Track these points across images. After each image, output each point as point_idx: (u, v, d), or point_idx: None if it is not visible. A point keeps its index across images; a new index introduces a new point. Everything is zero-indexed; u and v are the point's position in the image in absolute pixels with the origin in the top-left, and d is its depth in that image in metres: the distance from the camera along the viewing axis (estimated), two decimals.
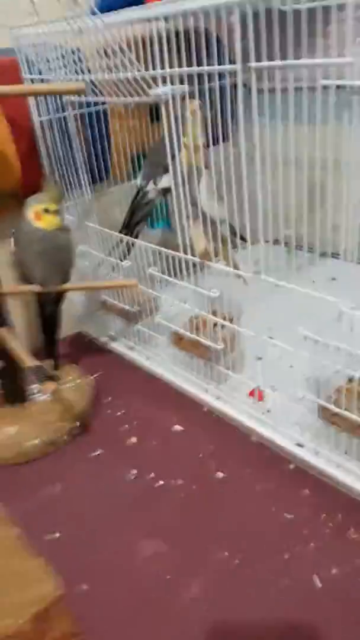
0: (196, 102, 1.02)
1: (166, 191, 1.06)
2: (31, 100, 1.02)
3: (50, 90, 0.75)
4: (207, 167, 0.86)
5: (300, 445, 0.83)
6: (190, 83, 0.76)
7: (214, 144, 1.13)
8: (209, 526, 0.76)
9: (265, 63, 0.60)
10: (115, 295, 1.12)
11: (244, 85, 0.66)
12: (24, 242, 0.90)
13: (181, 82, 0.76)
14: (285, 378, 0.82)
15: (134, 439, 0.94)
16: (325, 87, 0.61)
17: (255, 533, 0.74)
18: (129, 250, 1.08)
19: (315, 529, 0.74)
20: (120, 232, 1.11)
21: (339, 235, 1.28)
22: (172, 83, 0.73)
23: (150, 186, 1.07)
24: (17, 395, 1.01)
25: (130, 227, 1.12)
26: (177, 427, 0.95)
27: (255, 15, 0.60)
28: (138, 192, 1.11)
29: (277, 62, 0.59)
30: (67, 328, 1.21)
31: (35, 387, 0.87)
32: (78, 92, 0.69)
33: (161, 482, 0.84)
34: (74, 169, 1.08)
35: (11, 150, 1.03)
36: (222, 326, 0.90)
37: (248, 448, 0.89)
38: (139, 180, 1.12)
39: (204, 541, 0.74)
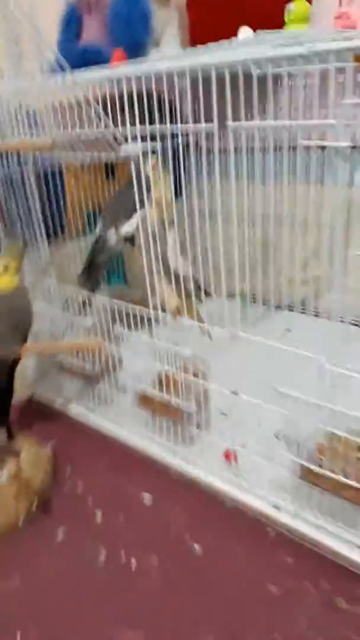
0: (155, 158, 1.04)
1: (127, 238, 1.05)
2: None
3: (19, 146, 0.72)
4: (173, 222, 0.85)
5: (277, 507, 0.79)
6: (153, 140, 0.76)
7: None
8: (191, 609, 0.69)
9: (244, 123, 0.60)
10: (72, 355, 1.05)
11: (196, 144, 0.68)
12: None
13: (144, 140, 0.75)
14: (256, 435, 0.79)
15: (99, 515, 0.86)
16: (294, 148, 0.63)
17: (241, 612, 0.68)
18: (89, 304, 1.03)
19: (303, 602, 0.68)
20: (78, 281, 1.06)
21: (293, 288, 1.31)
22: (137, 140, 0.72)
23: (111, 233, 1.05)
24: None
25: (89, 275, 1.08)
26: (146, 496, 0.88)
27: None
28: (97, 241, 1.08)
29: (256, 122, 0.59)
30: (16, 393, 1.12)
31: None
32: (45, 149, 0.67)
33: (134, 563, 0.76)
34: (29, 225, 1.04)
35: None
36: (191, 384, 0.86)
37: (224, 515, 0.83)
38: (97, 229, 1.10)
39: (188, 626, 0.67)
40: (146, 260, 0.79)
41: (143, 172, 0.75)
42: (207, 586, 0.72)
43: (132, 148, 0.69)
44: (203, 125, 0.64)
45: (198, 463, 0.89)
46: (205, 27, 1.19)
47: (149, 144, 0.69)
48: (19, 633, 0.67)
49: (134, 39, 1.05)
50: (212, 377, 0.88)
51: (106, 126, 0.71)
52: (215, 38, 0.72)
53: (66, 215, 1.14)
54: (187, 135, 0.70)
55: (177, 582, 0.73)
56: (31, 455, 0.94)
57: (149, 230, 0.78)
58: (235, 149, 0.67)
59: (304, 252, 1.29)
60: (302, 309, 1.33)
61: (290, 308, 1.30)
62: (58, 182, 1.10)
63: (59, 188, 1.10)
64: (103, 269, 1.12)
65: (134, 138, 0.71)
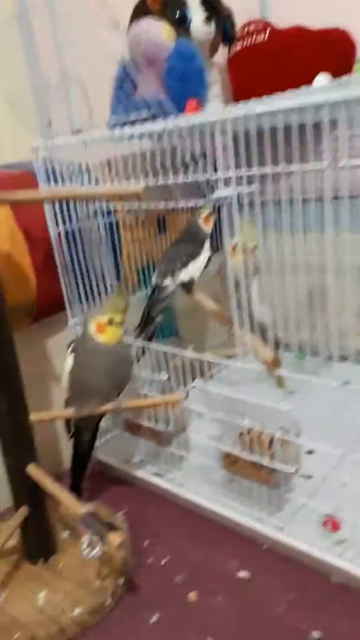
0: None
1: (184, 285, 1.03)
2: (48, 211, 0.96)
3: (109, 193, 0.70)
4: (257, 271, 0.81)
5: None
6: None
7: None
8: None
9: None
10: (140, 414, 0.99)
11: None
12: (85, 359, 0.79)
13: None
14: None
15: (193, 595, 0.78)
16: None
17: None
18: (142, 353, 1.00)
19: None
20: (136, 330, 1.03)
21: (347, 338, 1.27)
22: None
23: (168, 281, 1.03)
24: (42, 549, 0.83)
25: (147, 324, 1.05)
26: (242, 574, 0.80)
27: None
28: (153, 291, 1.05)
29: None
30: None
31: (86, 539, 0.71)
32: (136, 197, 0.64)
33: None
34: (90, 281, 1.01)
35: (26, 263, 0.94)
36: (283, 443, 0.80)
37: (333, 593, 0.75)
38: (153, 279, 1.07)
39: None
40: (236, 313, 0.75)
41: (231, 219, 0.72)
42: None
43: (227, 193, 0.67)
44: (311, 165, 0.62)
45: (294, 532, 0.82)
46: (247, 85, 1.21)
47: (251, 186, 0.66)
48: None
49: (191, 94, 1.05)
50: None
51: (203, 171, 0.69)
52: (258, 95, 0.71)
53: (122, 269, 1.12)
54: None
55: None
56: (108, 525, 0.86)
57: (232, 278, 0.74)
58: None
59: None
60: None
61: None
62: (115, 236, 1.08)
63: (116, 242, 1.08)
64: (157, 320, 1.08)
65: (227, 182, 0.68)
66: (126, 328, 0.80)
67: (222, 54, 1.30)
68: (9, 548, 0.83)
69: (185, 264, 1.02)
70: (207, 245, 1.03)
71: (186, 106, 0.93)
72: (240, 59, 1.20)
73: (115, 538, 0.65)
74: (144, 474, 1.02)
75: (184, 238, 1.07)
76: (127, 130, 0.81)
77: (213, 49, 1.18)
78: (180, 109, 0.94)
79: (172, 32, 1.01)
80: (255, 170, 0.66)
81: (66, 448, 1.13)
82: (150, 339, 1.02)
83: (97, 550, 0.71)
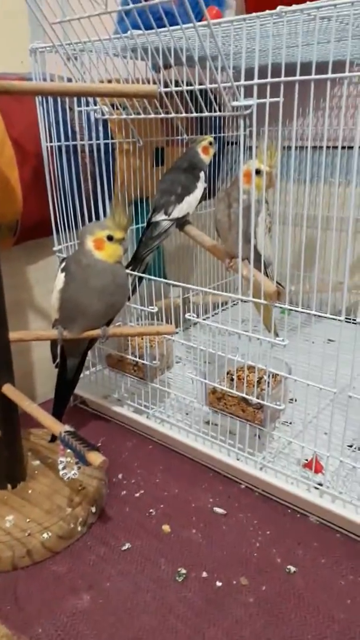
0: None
1: (179, 221, 0.98)
2: (41, 123, 0.89)
3: (120, 91, 0.63)
4: (267, 201, 0.77)
5: None
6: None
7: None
8: (296, 635, 0.59)
9: None
10: (125, 348, 0.96)
11: None
12: (80, 277, 0.73)
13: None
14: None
15: (166, 527, 0.76)
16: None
17: (351, 638, 0.59)
18: (133, 290, 0.96)
19: None
20: (127, 267, 0.98)
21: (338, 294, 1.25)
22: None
23: (161, 217, 0.98)
24: (11, 474, 0.79)
25: (137, 261, 1.00)
26: (218, 510, 0.79)
27: None
28: (148, 225, 1.00)
29: None
30: (52, 390, 1.02)
31: (63, 460, 0.67)
32: (149, 96, 0.58)
33: (219, 584, 0.66)
34: (77, 203, 0.94)
35: (14, 176, 0.88)
36: (274, 382, 0.78)
37: (312, 531, 0.74)
38: (149, 215, 1.02)
39: None
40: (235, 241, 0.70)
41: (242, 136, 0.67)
42: (310, 612, 0.62)
43: (246, 102, 0.61)
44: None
45: (274, 472, 0.80)
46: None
47: (277, 99, 0.60)
48: None
49: (208, 2, 0.97)
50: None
51: (223, 80, 0.63)
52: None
53: (114, 197, 1.05)
54: None
55: (274, 606, 0.63)
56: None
57: (241, 206, 0.69)
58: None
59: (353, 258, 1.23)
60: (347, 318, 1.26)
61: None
62: (110, 160, 1.01)
63: (110, 167, 1.02)
64: (147, 259, 1.03)
65: (248, 91, 0.63)
66: (126, 247, 0.75)
67: None
68: None
69: (180, 199, 0.98)
70: (202, 177, 1.00)
71: (207, 12, 0.86)
72: None
73: (95, 457, 0.62)
74: (123, 410, 0.98)
75: (180, 166, 1.01)
76: (144, 34, 0.73)
77: None
78: (196, 18, 0.87)
79: None
80: (281, 78, 0.60)
81: (40, 381, 1.09)
82: (139, 281, 0.98)
83: (74, 471, 0.67)
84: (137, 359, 0.94)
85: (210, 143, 1.00)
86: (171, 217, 0.98)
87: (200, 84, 0.70)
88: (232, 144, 1.37)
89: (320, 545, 0.72)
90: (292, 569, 0.68)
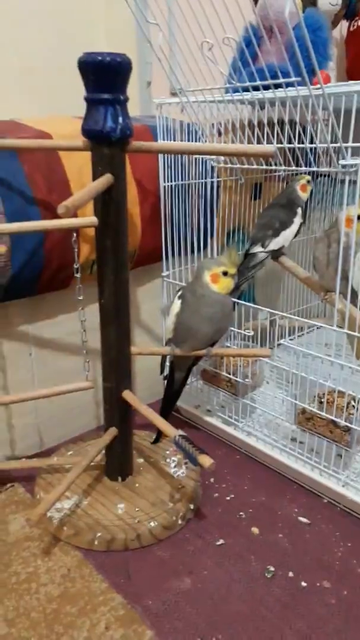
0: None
1: (274, 253, 1.08)
2: (160, 166, 1.02)
3: (240, 151, 0.75)
4: None
5: None
6: None
7: None
8: None
9: None
10: (220, 365, 1.06)
11: None
12: (195, 305, 0.85)
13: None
14: None
15: (255, 529, 0.85)
16: None
17: None
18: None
19: None
20: None
21: None
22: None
23: (258, 249, 1.08)
24: (122, 468, 0.92)
25: (233, 290, 1.10)
26: (302, 519, 0.87)
27: None
28: (245, 256, 1.11)
29: None
30: (149, 397, 1.15)
31: (173, 459, 0.79)
32: (267, 156, 0.69)
33: (304, 584, 0.75)
34: (185, 235, 1.07)
35: (136, 212, 1.01)
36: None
37: None
38: (247, 245, 1.13)
39: None
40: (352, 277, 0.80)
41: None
42: None
43: (353, 161, 0.71)
44: None
45: (356, 490, 0.87)
46: None
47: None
48: (199, 633, 0.67)
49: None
50: None
51: (333, 140, 0.73)
52: None
53: (215, 230, 1.17)
54: None
55: (357, 608, 0.70)
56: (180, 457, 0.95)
57: (342, 248, 0.78)
58: None
59: None
60: None
61: None
62: (215, 197, 1.13)
63: (214, 203, 1.14)
64: (243, 287, 1.13)
65: (355, 152, 0.72)
66: (237, 281, 0.86)
67: (339, 30, 1.31)
68: (93, 464, 0.93)
69: (277, 233, 1.07)
70: (299, 212, 1.08)
71: (322, 75, 0.96)
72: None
73: (206, 459, 0.73)
74: (213, 420, 1.09)
75: (279, 203, 1.11)
76: (268, 93, 0.84)
77: (335, 22, 1.19)
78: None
79: (300, 2, 1.03)
80: None
81: (140, 388, 1.22)
82: (234, 306, 1.08)
83: (182, 470, 0.78)
84: (231, 376, 1.04)
85: (309, 182, 1.09)
86: (267, 249, 1.08)
87: (310, 139, 0.80)
88: (323, 176, 1.45)
89: None
90: None
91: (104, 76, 0.70)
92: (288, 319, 1.02)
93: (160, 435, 0.99)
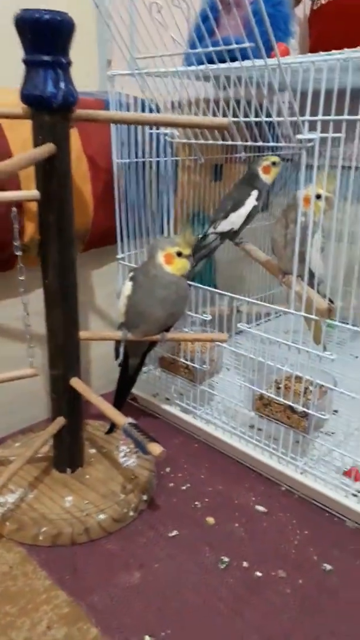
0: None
1: (224, 236, 1.04)
2: (114, 142, 0.97)
3: (194, 122, 0.70)
4: (320, 224, 0.82)
5: None
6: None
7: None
8: (329, 626, 0.64)
9: None
10: (178, 352, 1.03)
11: None
12: (147, 287, 0.81)
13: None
14: None
15: (210, 519, 0.82)
16: None
17: None
18: None
19: None
20: None
21: None
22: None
23: (210, 230, 1.04)
24: (71, 460, 0.87)
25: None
26: (259, 508, 0.84)
27: None
28: (202, 238, 1.07)
29: None
30: (107, 385, 1.10)
31: (124, 448, 0.75)
32: (221, 128, 0.65)
33: (259, 574, 0.72)
34: (141, 216, 1.02)
35: (87, 190, 0.96)
36: (320, 392, 0.83)
37: (348, 535, 0.79)
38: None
39: None
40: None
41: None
42: (342, 606, 0.67)
43: (310, 135, 0.67)
44: None
45: (314, 477, 0.85)
46: (328, 39, 1.18)
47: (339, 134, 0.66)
48: (147, 629, 0.63)
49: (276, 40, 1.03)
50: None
51: (291, 114, 0.69)
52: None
53: (174, 212, 1.13)
54: None
55: (312, 597, 0.68)
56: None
57: (299, 228, 0.75)
58: None
59: None
60: None
61: None
62: (172, 177, 1.09)
63: (173, 183, 1.09)
64: (196, 268, 1.10)
65: (312, 126, 0.69)
66: (192, 262, 0.82)
67: (302, 9, 1.28)
68: (40, 455, 0.88)
69: (227, 214, 1.03)
70: (254, 194, 1.03)
71: (279, 48, 0.92)
72: (324, 13, 1.17)
73: (155, 448, 0.69)
74: (171, 409, 1.05)
75: (239, 184, 1.07)
76: (224, 66, 0.80)
77: (297, 0, 1.16)
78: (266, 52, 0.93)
79: None
80: (344, 116, 0.65)
81: (96, 376, 1.17)
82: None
83: (133, 460, 0.74)
84: (189, 362, 1.01)
85: (274, 163, 1.01)
86: (217, 230, 1.04)
87: (267, 115, 0.77)
88: (285, 160, 1.42)
89: (356, 548, 0.76)
90: (328, 567, 0.73)
91: (44, 36, 0.65)
92: (248, 305, 0.99)
93: (114, 425, 0.95)
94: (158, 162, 1.03)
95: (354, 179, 1.18)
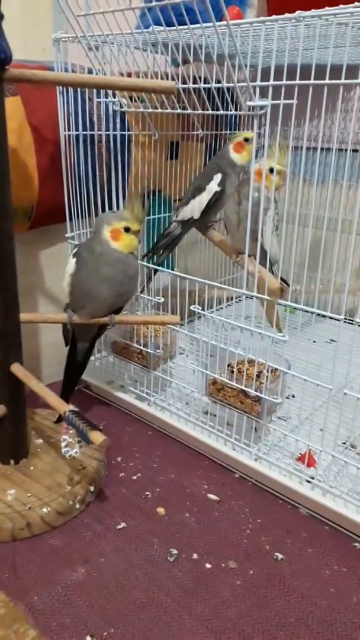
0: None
1: (185, 223, 0.99)
2: (60, 112, 0.91)
3: (139, 85, 0.65)
4: (276, 200, 0.79)
5: None
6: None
7: None
8: (279, 617, 0.62)
9: None
10: (131, 336, 0.98)
11: None
12: (92, 264, 0.75)
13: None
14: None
15: (161, 510, 0.78)
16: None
17: (330, 624, 0.61)
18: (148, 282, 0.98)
19: None
20: (142, 258, 1.00)
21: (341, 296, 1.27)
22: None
23: (174, 217, 1.00)
24: (14, 450, 0.82)
25: (153, 255, 1.02)
26: (211, 496, 0.81)
27: None
28: (169, 223, 1.02)
29: None
30: (58, 373, 1.05)
31: (66, 438, 0.70)
32: (167, 92, 0.60)
33: (208, 565, 0.69)
34: (91, 192, 0.97)
35: (32, 162, 0.90)
36: (272, 376, 0.80)
37: (301, 522, 0.77)
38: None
39: (275, 634, 0.60)
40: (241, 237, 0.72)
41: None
42: (294, 596, 0.65)
43: (261, 102, 0.63)
44: None
45: (268, 464, 0.82)
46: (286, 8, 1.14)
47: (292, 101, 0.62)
48: (89, 629, 0.60)
49: (229, 3, 0.98)
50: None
51: (240, 79, 0.65)
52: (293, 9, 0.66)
53: (128, 188, 1.08)
54: None
55: (262, 589, 0.66)
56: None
57: (250, 204, 0.71)
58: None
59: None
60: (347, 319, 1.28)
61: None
62: (125, 152, 1.03)
63: (125, 159, 1.04)
64: (164, 252, 1.05)
65: (264, 92, 0.64)
66: (140, 239, 0.77)
67: None
68: None
69: (188, 201, 0.98)
70: (217, 179, 0.96)
71: (227, 12, 0.87)
72: None
73: (97, 436, 0.64)
74: (126, 396, 1.01)
75: (207, 165, 1.01)
76: (165, 30, 0.75)
77: None
78: (217, 16, 0.88)
79: None
80: (296, 82, 0.61)
81: (47, 364, 1.12)
82: (154, 272, 0.98)
83: (76, 450, 0.70)
84: (142, 347, 0.97)
85: (247, 140, 0.92)
86: (178, 219, 0.99)
87: (217, 82, 0.72)
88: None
89: (309, 535, 0.74)
90: (280, 556, 0.71)
91: None
92: (208, 289, 0.95)
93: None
94: (109, 135, 0.97)
95: (320, 161, 1.14)
